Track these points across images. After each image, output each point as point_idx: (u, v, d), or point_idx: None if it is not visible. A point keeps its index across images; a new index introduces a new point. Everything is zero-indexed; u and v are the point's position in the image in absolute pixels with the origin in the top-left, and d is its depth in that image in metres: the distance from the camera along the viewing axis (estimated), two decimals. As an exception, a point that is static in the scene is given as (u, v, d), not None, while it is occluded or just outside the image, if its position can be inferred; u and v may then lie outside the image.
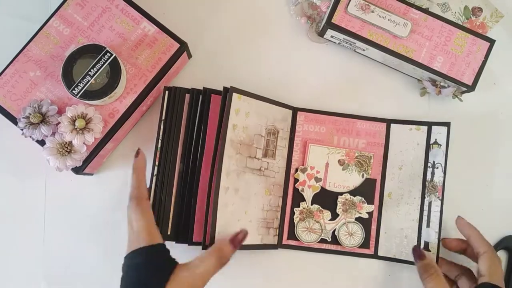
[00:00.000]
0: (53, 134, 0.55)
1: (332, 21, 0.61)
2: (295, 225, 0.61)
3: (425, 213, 0.61)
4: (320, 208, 0.61)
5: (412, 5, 0.62)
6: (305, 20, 0.66)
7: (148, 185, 0.55)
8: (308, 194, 0.62)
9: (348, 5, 0.61)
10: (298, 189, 0.62)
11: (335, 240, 0.61)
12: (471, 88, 0.62)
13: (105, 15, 0.58)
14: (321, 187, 0.62)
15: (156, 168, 0.57)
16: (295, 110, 0.63)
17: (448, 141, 0.62)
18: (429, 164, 0.62)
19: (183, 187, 0.57)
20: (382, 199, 0.63)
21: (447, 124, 0.62)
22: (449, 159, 0.62)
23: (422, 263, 0.55)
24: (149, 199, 0.55)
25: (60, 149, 0.55)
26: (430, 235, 0.60)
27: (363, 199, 0.62)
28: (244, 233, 0.51)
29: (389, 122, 0.64)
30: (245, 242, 0.52)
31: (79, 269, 0.61)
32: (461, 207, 0.65)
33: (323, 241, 0.61)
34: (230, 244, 0.49)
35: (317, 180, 0.62)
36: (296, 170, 0.62)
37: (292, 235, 0.61)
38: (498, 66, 0.66)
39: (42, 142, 0.56)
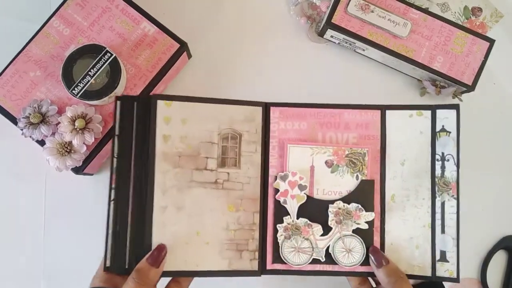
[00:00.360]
0: (53, 134, 0.55)
1: (332, 21, 0.61)
2: (280, 246, 0.50)
3: (438, 216, 0.51)
4: (308, 222, 0.51)
5: (412, 5, 0.62)
6: (305, 20, 0.66)
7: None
8: (293, 206, 0.51)
9: (348, 5, 0.61)
10: (279, 201, 0.51)
11: (330, 259, 0.50)
12: (471, 88, 0.62)
13: (105, 15, 0.59)
14: (307, 195, 0.51)
15: (113, 191, 0.48)
16: (267, 106, 0.52)
17: (458, 127, 0.51)
18: (438, 157, 0.52)
19: (137, 211, 0.49)
20: (384, 203, 0.52)
21: (455, 107, 0.52)
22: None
23: (389, 268, 0.47)
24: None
25: (60, 149, 0.55)
26: (447, 243, 0.51)
27: (359, 206, 0.51)
28: (159, 248, 0.46)
29: (383, 108, 0.53)
30: (204, 268, 0.48)
31: (79, 269, 0.61)
32: (461, 207, 0.65)
33: (315, 261, 0.50)
34: (147, 263, 0.45)
35: (302, 188, 0.51)
36: (275, 178, 0.51)
37: (277, 258, 0.50)
38: (498, 66, 0.66)
39: (42, 142, 0.56)
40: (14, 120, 0.56)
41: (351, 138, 0.53)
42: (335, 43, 0.65)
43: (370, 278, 0.52)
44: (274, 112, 0.53)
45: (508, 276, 0.64)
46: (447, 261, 0.51)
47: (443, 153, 0.52)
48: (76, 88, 0.55)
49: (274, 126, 0.53)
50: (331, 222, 0.51)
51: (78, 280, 0.61)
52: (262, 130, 0.52)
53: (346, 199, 0.51)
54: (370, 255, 0.49)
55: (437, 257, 0.51)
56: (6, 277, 0.61)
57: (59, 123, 0.55)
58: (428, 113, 0.52)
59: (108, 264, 0.47)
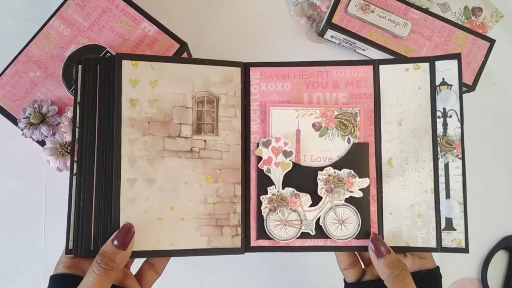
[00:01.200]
0: (53, 134, 0.55)
1: (332, 21, 0.61)
2: (265, 219, 0.46)
3: (442, 179, 0.46)
4: (295, 191, 0.46)
5: (412, 5, 0.62)
6: (305, 21, 0.66)
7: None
8: (277, 175, 0.46)
9: (348, 5, 0.61)
10: (262, 170, 0.46)
11: (321, 232, 0.46)
12: (471, 88, 0.62)
13: (105, 16, 0.59)
14: (293, 163, 0.46)
15: (75, 165, 0.44)
16: (246, 67, 0.48)
17: (460, 78, 0.46)
18: (438, 113, 0.46)
19: (102, 187, 0.44)
20: (380, 168, 0.47)
21: (456, 56, 0.46)
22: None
23: (390, 259, 0.43)
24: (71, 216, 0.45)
25: (60, 149, 0.55)
26: (453, 209, 0.45)
27: (352, 172, 0.46)
28: (127, 227, 0.42)
29: (377, 63, 0.48)
30: (179, 247, 0.43)
31: (80, 269, 0.61)
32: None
33: (305, 235, 0.46)
34: (112, 245, 0.40)
35: (287, 154, 0.46)
36: (258, 145, 0.46)
37: (262, 233, 0.46)
38: (498, 66, 0.66)
39: (42, 143, 0.56)
40: (14, 121, 0.56)
41: (340, 97, 0.47)
42: (335, 43, 0.65)
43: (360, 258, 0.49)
44: (254, 73, 0.48)
45: (508, 276, 0.64)
46: (454, 229, 0.46)
47: (444, 109, 0.46)
48: (76, 88, 0.55)
49: (254, 88, 0.48)
50: (320, 191, 0.46)
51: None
52: (242, 92, 0.47)
53: (337, 165, 0.46)
54: (370, 243, 0.45)
55: (443, 225, 0.46)
56: (6, 277, 0.61)
57: (59, 123, 0.55)
58: (426, 65, 0.47)
59: (70, 246, 0.43)
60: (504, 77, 0.67)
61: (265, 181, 0.46)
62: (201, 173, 0.45)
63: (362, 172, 0.46)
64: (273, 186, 0.46)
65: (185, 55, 0.61)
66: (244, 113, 0.47)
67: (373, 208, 0.46)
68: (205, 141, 0.46)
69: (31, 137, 0.55)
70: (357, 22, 0.61)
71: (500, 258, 0.64)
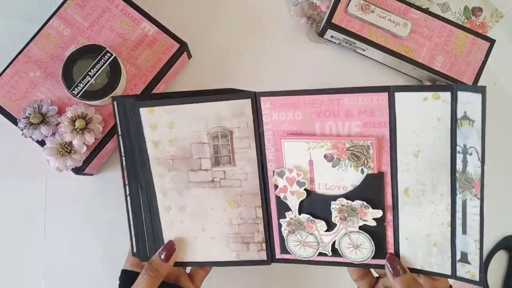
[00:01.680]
0: (53, 134, 0.55)
1: (332, 21, 0.61)
2: (285, 239, 0.49)
3: (459, 215, 0.45)
4: (311, 218, 0.47)
5: (412, 5, 0.62)
6: (305, 21, 0.66)
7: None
8: (293, 202, 0.48)
9: (348, 5, 0.61)
10: (280, 197, 0.48)
11: (336, 254, 0.48)
12: (471, 88, 0.61)
13: (105, 16, 0.59)
14: (309, 190, 0.47)
15: (127, 188, 0.50)
16: (256, 97, 0.47)
17: (484, 114, 0.41)
18: (459, 149, 0.43)
19: (147, 207, 0.51)
20: (396, 197, 0.46)
21: (481, 90, 0.41)
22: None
23: (406, 278, 0.45)
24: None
25: (60, 149, 0.55)
26: (469, 245, 0.44)
27: (365, 203, 0.46)
28: (170, 244, 0.50)
29: (392, 90, 0.44)
30: (215, 259, 0.50)
31: (79, 269, 0.61)
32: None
33: (322, 255, 0.48)
34: (158, 256, 0.49)
35: (300, 184, 0.47)
36: (274, 173, 0.48)
37: (284, 250, 0.49)
38: (498, 66, 0.66)
39: (42, 143, 0.56)
40: (14, 121, 0.56)
41: (353, 126, 0.45)
42: (335, 43, 0.65)
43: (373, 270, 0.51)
44: (265, 103, 0.47)
45: (508, 276, 0.64)
46: (469, 263, 0.45)
47: (465, 145, 0.43)
48: (76, 89, 0.55)
49: (266, 118, 0.47)
50: (335, 219, 0.47)
51: (78, 280, 0.61)
52: (255, 123, 0.48)
53: (351, 195, 0.46)
54: (386, 262, 0.46)
55: (458, 257, 0.45)
56: (6, 277, 0.61)
57: (59, 123, 0.55)
58: (447, 95, 0.42)
59: (135, 250, 0.50)
60: (504, 77, 0.67)
61: (283, 206, 0.48)
62: (224, 200, 0.50)
63: (376, 202, 0.46)
64: (290, 211, 0.48)
65: (185, 55, 0.61)
66: (259, 143, 0.48)
67: (390, 233, 0.47)
68: (224, 172, 0.49)
69: (31, 137, 0.55)
70: (357, 22, 0.61)
71: (501, 258, 0.64)
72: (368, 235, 0.47)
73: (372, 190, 0.46)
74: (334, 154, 0.46)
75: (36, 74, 0.57)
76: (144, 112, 0.47)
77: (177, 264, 0.50)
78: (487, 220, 0.65)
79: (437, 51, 0.61)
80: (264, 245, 0.50)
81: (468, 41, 0.62)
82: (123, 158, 0.49)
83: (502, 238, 0.64)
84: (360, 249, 0.47)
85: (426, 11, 0.62)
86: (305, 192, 0.47)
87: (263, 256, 0.50)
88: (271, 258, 0.50)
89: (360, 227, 0.47)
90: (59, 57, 0.58)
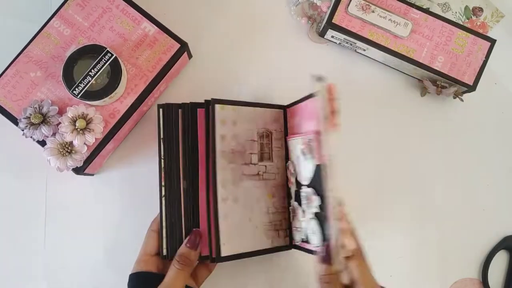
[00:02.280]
0: (54, 134, 0.55)
1: (333, 21, 0.61)
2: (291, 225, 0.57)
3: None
4: (298, 204, 0.56)
5: (412, 5, 0.62)
6: (306, 21, 0.66)
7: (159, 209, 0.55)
8: (292, 191, 0.57)
9: (348, 5, 0.61)
10: (290, 188, 0.58)
11: (307, 239, 0.53)
12: (472, 88, 0.62)
13: (105, 16, 0.59)
14: (298, 181, 0.55)
15: (163, 188, 0.55)
16: (285, 109, 0.60)
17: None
18: None
19: (189, 205, 0.55)
20: None
21: None
22: (449, 158, 0.62)
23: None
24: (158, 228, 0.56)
25: (60, 149, 0.55)
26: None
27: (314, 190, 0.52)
28: (195, 233, 0.53)
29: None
30: (255, 248, 0.54)
31: (79, 269, 0.61)
32: (462, 207, 0.65)
33: (304, 240, 0.54)
34: (186, 247, 0.53)
35: (292, 175, 0.57)
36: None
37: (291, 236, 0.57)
38: (499, 66, 0.66)
39: (42, 143, 0.56)
40: (14, 121, 0.56)
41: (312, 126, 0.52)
42: (335, 43, 0.65)
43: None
44: (288, 113, 0.59)
45: (509, 276, 0.64)
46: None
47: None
48: (76, 89, 0.55)
49: (288, 123, 0.59)
50: (303, 206, 0.54)
51: (78, 280, 0.61)
52: (284, 128, 0.60)
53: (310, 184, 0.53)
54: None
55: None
56: (6, 277, 0.61)
57: (59, 123, 0.55)
58: None
59: (164, 253, 0.54)
60: (505, 77, 0.67)
61: (290, 196, 0.58)
62: (264, 191, 0.57)
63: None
64: (292, 200, 0.57)
65: (185, 55, 0.61)
66: (286, 145, 0.59)
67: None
68: (265, 166, 0.58)
69: (31, 137, 0.55)
70: (358, 22, 0.61)
71: (501, 258, 0.64)
72: (319, 220, 0.51)
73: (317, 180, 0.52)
74: (304, 149, 0.54)
75: (37, 74, 0.57)
76: (218, 108, 0.55)
77: (224, 258, 0.51)
78: (488, 220, 0.65)
79: (438, 51, 0.61)
80: (288, 231, 0.58)
81: (469, 41, 0.62)
82: (162, 160, 0.55)
83: (502, 238, 0.64)
84: (316, 234, 0.51)
85: (426, 11, 0.62)
86: (294, 182, 0.56)
87: (287, 241, 0.57)
88: (290, 242, 0.57)
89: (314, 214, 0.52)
90: (60, 57, 0.58)
